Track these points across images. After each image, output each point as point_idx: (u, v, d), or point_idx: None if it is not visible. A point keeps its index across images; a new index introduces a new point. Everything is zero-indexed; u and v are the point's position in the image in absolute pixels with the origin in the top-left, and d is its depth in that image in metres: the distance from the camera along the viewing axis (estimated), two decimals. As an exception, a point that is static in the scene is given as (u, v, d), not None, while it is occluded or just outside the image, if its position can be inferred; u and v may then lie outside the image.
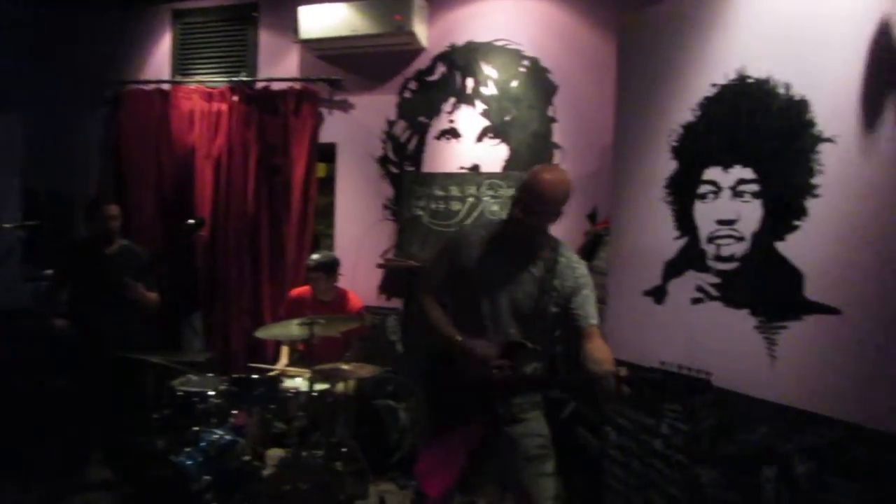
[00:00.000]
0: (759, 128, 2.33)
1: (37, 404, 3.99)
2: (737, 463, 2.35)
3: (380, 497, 3.72)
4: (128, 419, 3.74)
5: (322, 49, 4.61)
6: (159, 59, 5.13)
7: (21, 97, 4.95)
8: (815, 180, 2.13)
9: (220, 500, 3.22)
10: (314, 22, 4.37)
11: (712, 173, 2.51)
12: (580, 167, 4.16)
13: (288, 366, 4.08)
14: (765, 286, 2.29)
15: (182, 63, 5.06)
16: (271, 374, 3.80)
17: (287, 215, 4.70)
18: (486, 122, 4.39)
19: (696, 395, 1.89)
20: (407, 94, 4.58)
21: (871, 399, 1.91)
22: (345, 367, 3.59)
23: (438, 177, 4.45)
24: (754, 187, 2.34)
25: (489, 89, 4.38)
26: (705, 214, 2.54)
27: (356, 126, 4.69)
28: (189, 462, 3.17)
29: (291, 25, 4.50)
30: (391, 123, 4.61)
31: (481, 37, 4.39)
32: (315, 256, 4.10)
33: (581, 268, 2.37)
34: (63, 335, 3.70)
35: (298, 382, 3.66)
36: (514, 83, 4.32)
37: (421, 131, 4.55)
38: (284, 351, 4.21)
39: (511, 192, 4.17)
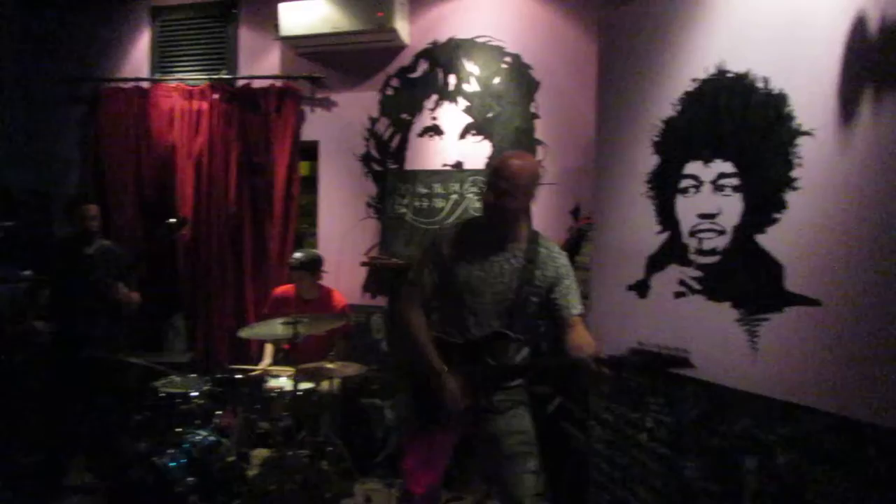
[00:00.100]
0: (739, 122, 2.35)
1: (17, 407, 3.94)
2: (720, 454, 2.37)
3: (366, 495, 3.72)
4: (109, 421, 3.71)
5: (303, 46, 4.58)
6: (138, 56, 5.07)
7: (-3, 96, 4.89)
8: (793, 173, 2.15)
9: (205, 501, 3.20)
10: (295, 19, 4.34)
11: (693, 167, 2.53)
12: (563, 163, 4.17)
13: (272, 365, 4.05)
14: (746, 279, 2.31)
15: (161, 61, 5.01)
16: (254, 373, 3.78)
17: (269, 214, 4.68)
18: (468, 119, 4.39)
19: (676, 368, 1.96)
20: (389, 92, 4.57)
21: (851, 390, 1.93)
22: (329, 365, 3.58)
23: (422, 174, 4.45)
24: (734, 181, 2.36)
25: (471, 86, 4.38)
26: (687, 208, 2.56)
27: (339, 124, 4.67)
28: (172, 464, 3.15)
29: (272, 22, 4.46)
30: (374, 121, 4.60)
31: (463, 33, 4.38)
32: (298, 255, 4.09)
33: (562, 258, 2.39)
34: (43, 337, 3.66)
35: (283, 382, 3.64)
36: (497, 80, 4.33)
37: (404, 128, 4.54)
38: (268, 350, 4.18)
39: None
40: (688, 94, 2.57)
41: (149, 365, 3.64)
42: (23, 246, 4.39)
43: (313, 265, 4.07)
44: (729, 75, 2.40)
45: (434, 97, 4.46)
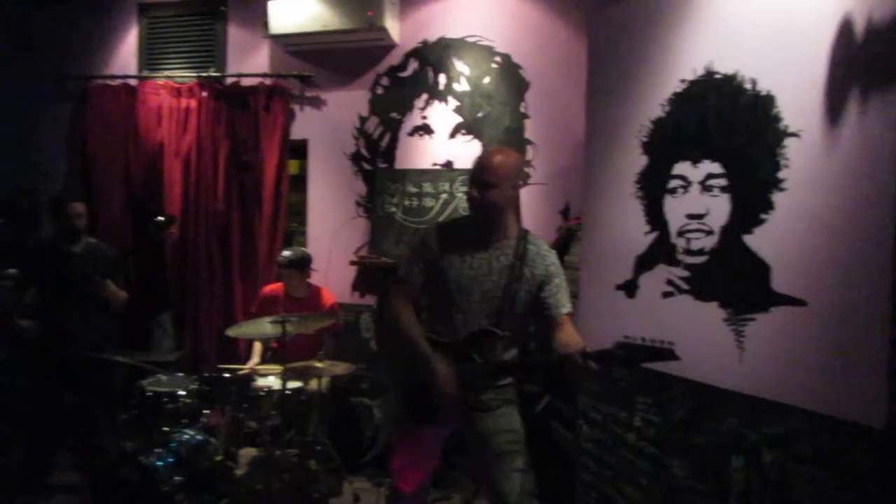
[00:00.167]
0: (727, 123, 2.36)
1: (2, 406, 3.91)
2: (706, 453, 2.39)
3: (354, 494, 3.71)
4: (96, 420, 3.68)
5: (292, 45, 4.56)
6: (126, 53, 5.03)
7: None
8: (781, 174, 2.17)
9: (192, 500, 3.19)
10: (284, 17, 4.32)
11: (682, 168, 2.54)
12: (553, 163, 4.18)
13: (260, 364, 4.04)
14: (733, 279, 2.32)
15: (149, 58, 4.98)
16: (242, 372, 3.76)
17: (258, 213, 4.66)
18: (458, 119, 4.39)
19: (662, 360, 1.97)
20: (379, 91, 4.56)
21: (836, 389, 1.95)
22: (318, 364, 3.57)
23: (411, 173, 4.44)
24: (722, 181, 2.38)
25: (462, 85, 4.38)
26: (675, 209, 2.57)
27: (328, 122, 4.66)
28: (159, 463, 3.13)
29: (261, 20, 4.44)
30: (363, 120, 4.59)
31: (453, 33, 4.39)
32: (286, 253, 4.07)
33: (551, 256, 2.40)
34: (28, 335, 3.63)
35: (271, 381, 3.63)
36: (487, 79, 4.33)
37: (393, 128, 4.54)
38: (257, 349, 4.17)
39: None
40: (676, 94, 2.58)
41: (136, 364, 3.62)
42: (8, 244, 4.35)
43: (302, 263, 4.06)
44: (717, 76, 2.41)
45: (424, 96, 4.46)
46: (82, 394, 3.66)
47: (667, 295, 2.58)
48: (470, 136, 4.37)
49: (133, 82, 4.90)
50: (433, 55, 4.43)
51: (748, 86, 2.29)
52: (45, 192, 4.89)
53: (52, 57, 5.10)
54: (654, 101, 2.66)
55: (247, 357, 4.23)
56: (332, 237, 4.62)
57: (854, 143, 1.94)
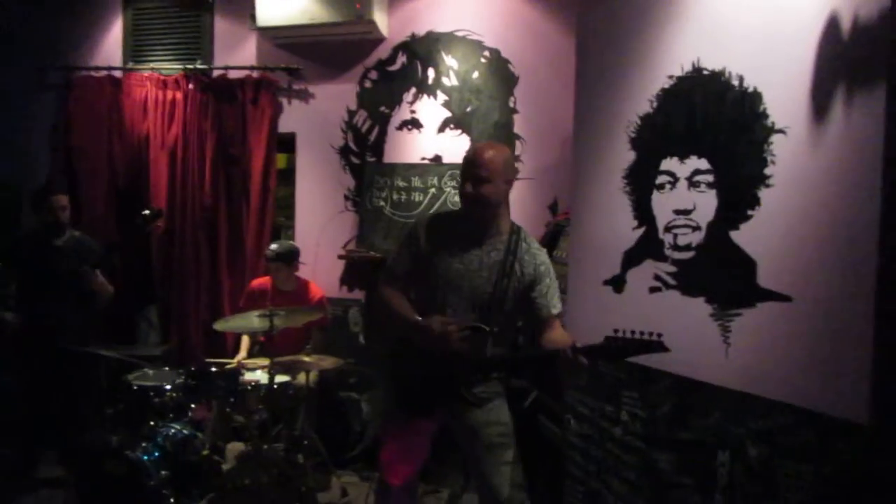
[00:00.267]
0: (714, 119, 2.37)
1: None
2: (692, 447, 2.40)
3: (342, 489, 3.71)
4: (81, 414, 3.66)
5: (280, 37, 4.53)
6: (110, 44, 4.97)
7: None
8: (767, 170, 2.17)
9: (179, 495, 3.18)
10: (272, 9, 4.29)
11: (669, 164, 2.54)
12: (541, 158, 4.19)
13: (248, 358, 4.03)
14: (719, 274, 2.33)
15: (135, 49, 4.92)
16: (229, 366, 3.75)
17: (246, 206, 4.64)
18: (447, 113, 4.38)
19: (652, 353, 1.98)
20: (367, 84, 4.54)
21: (820, 384, 1.96)
22: (306, 358, 3.56)
23: (400, 167, 4.44)
24: (709, 178, 2.39)
25: (450, 80, 4.37)
26: (663, 204, 2.57)
27: (316, 116, 4.64)
28: (145, 457, 3.12)
29: (248, 12, 4.40)
30: (352, 113, 4.57)
31: (442, 27, 4.38)
32: (273, 247, 4.06)
33: (542, 255, 2.40)
34: (12, 329, 3.59)
35: (258, 375, 3.62)
36: (476, 74, 4.33)
37: (382, 121, 4.52)
38: (244, 343, 4.15)
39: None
40: (664, 90, 2.58)
41: (122, 357, 3.60)
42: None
43: (289, 257, 4.05)
44: (705, 73, 2.42)
45: (413, 90, 4.45)
46: (67, 388, 3.63)
47: (654, 290, 2.59)
48: (459, 131, 4.37)
49: (118, 74, 4.85)
50: (422, 49, 4.42)
51: (735, 82, 2.30)
52: (28, 185, 4.84)
53: (34, 47, 5.02)
54: (641, 97, 2.67)
55: (234, 351, 4.22)
56: (320, 231, 4.61)
57: (840, 140, 1.95)
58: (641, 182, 2.67)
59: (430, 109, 4.42)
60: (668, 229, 2.54)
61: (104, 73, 4.85)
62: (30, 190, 4.47)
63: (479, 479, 2.36)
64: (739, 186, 2.26)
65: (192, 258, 4.67)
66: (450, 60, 4.37)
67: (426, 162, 4.42)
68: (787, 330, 2.08)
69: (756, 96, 2.22)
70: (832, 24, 1.98)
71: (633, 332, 2.02)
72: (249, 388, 3.50)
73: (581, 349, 2.06)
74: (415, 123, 4.46)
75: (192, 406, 3.57)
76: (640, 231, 2.67)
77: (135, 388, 3.42)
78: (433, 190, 4.35)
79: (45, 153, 5.04)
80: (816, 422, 1.96)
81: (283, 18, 4.28)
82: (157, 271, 4.73)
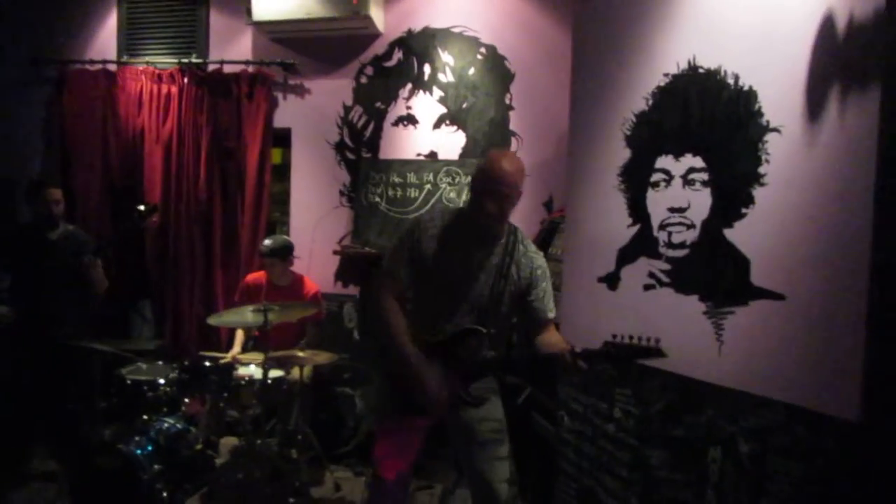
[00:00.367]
0: (709, 117, 2.38)
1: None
2: (685, 444, 2.42)
3: (336, 484, 3.72)
4: (74, 408, 3.64)
5: (276, 32, 4.52)
6: (105, 37, 4.94)
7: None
8: (762, 169, 2.19)
9: (172, 489, 3.17)
10: (268, 4, 4.27)
11: (664, 162, 2.55)
12: (537, 155, 4.19)
13: (242, 352, 4.02)
14: (713, 272, 2.35)
15: (129, 42, 4.89)
16: (223, 361, 3.74)
17: (241, 201, 4.63)
18: (443, 109, 4.38)
19: (650, 357, 1.99)
20: (363, 80, 4.54)
21: (812, 382, 1.98)
22: (300, 353, 3.56)
23: (395, 163, 4.43)
24: (704, 176, 2.40)
25: (446, 76, 4.37)
26: (657, 202, 2.58)
27: (312, 111, 4.63)
28: (138, 451, 3.11)
29: (244, 6, 4.38)
30: (347, 109, 4.57)
31: (438, 23, 4.37)
32: (267, 242, 4.05)
33: (539, 258, 2.40)
34: (5, 322, 3.58)
35: (252, 370, 3.62)
36: (472, 70, 4.33)
37: (378, 117, 4.52)
38: (238, 337, 4.15)
39: (468, 179, 4.19)
40: (660, 88, 2.59)
41: (115, 351, 3.59)
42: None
43: (283, 252, 4.04)
44: (700, 71, 2.42)
45: (408, 86, 4.45)
46: (61, 381, 3.62)
47: (648, 288, 2.60)
48: (454, 127, 4.37)
49: (112, 67, 4.82)
50: (418, 45, 4.41)
51: (731, 81, 2.31)
52: (22, 179, 4.81)
53: (28, 40, 4.99)
54: (637, 95, 2.67)
55: (228, 346, 4.21)
56: (315, 226, 4.60)
57: (834, 139, 1.96)
58: (636, 180, 2.68)
59: (426, 105, 4.41)
60: (662, 227, 2.55)
61: (99, 66, 4.83)
62: (23, 183, 4.45)
63: (473, 474, 2.36)
64: (734, 185, 2.27)
65: (186, 253, 4.66)
66: (446, 56, 4.37)
67: (422, 158, 4.41)
68: (780, 328, 2.09)
69: (751, 95, 2.23)
70: (827, 24, 1.99)
71: (630, 338, 2.02)
72: (243, 382, 3.50)
73: (580, 354, 2.06)
74: (410, 119, 4.45)
75: (186, 400, 3.56)
76: (635, 229, 2.68)
77: (128, 382, 3.41)
78: (428, 186, 4.34)
79: (39, 147, 5.02)
80: (808, 419, 1.97)
81: (279, 13, 4.27)
82: (152, 266, 4.72)
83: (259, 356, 3.59)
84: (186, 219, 4.66)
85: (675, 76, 2.53)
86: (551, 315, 2.36)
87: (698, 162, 2.42)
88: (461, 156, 4.34)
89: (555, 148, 4.11)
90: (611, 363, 2.11)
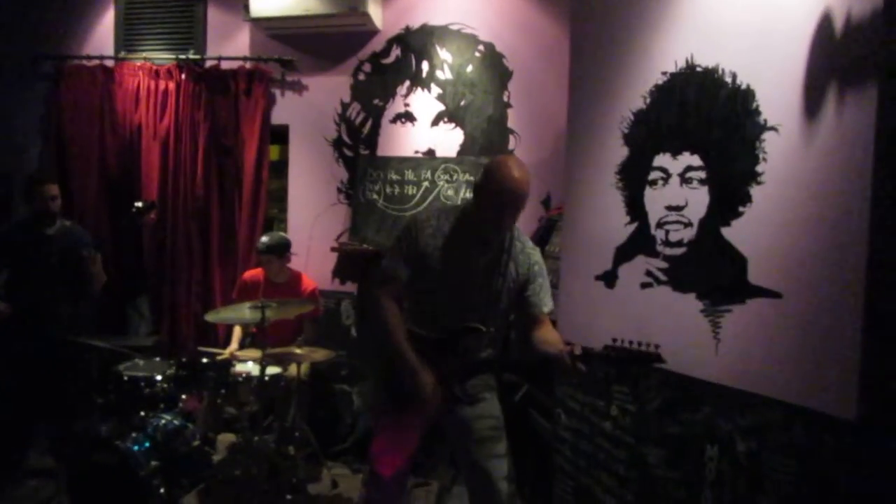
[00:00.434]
0: (707, 116, 2.38)
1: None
2: (681, 442, 2.42)
3: (333, 480, 3.72)
4: (71, 404, 3.64)
5: (273, 28, 4.51)
6: (102, 33, 4.93)
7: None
8: (759, 168, 2.19)
9: (169, 485, 3.17)
10: (265, 0, 4.26)
11: (662, 160, 2.55)
12: (535, 153, 4.19)
13: (239, 349, 4.02)
14: (711, 271, 2.35)
15: (127, 38, 4.87)
16: (221, 358, 3.74)
17: (238, 198, 4.62)
18: (441, 107, 4.38)
19: (650, 364, 1.98)
20: (361, 77, 4.53)
21: (809, 380, 1.98)
22: (297, 350, 3.56)
23: (393, 161, 4.43)
24: (701, 174, 2.40)
25: (444, 73, 4.37)
26: (655, 200, 2.58)
27: (310, 108, 4.62)
28: (135, 448, 3.11)
29: (242, 3, 4.38)
30: (345, 106, 4.56)
31: (436, 20, 4.36)
32: (264, 239, 4.05)
33: (536, 254, 2.40)
34: (2, 319, 3.57)
35: (250, 367, 3.62)
36: (470, 68, 4.32)
37: (375, 114, 4.51)
38: (236, 334, 4.15)
39: (466, 177, 4.19)
40: (657, 87, 2.59)
41: (112, 348, 3.58)
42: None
43: (280, 249, 4.03)
44: (698, 69, 2.42)
45: (406, 83, 4.44)
46: (58, 377, 3.61)
47: (645, 286, 2.60)
48: (452, 125, 4.36)
49: (110, 63, 4.81)
50: (416, 42, 4.41)
51: (728, 79, 2.30)
52: (19, 175, 4.81)
53: (25, 36, 4.98)
54: (635, 93, 2.67)
55: (226, 342, 4.21)
56: (312, 223, 4.60)
57: (832, 138, 1.96)
58: (634, 178, 2.68)
59: (424, 103, 4.41)
60: (660, 225, 2.55)
61: (96, 62, 4.82)
62: (21, 179, 4.44)
63: (471, 472, 2.36)
64: (731, 183, 2.28)
65: (183, 249, 4.66)
66: (444, 54, 4.36)
67: (419, 155, 4.41)
68: (777, 326, 2.09)
69: (749, 93, 2.23)
70: (825, 23, 1.99)
71: (630, 343, 2.01)
72: (241, 379, 3.50)
73: (580, 356, 2.06)
74: (408, 116, 4.45)
75: (183, 397, 3.56)
76: (633, 227, 2.68)
77: (125, 378, 3.41)
78: (426, 183, 4.34)
79: (36, 143, 5.00)
80: (805, 417, 1.98)
81: (276, 9, 4.26)
82: (149, 262, 4.71)
83: (256, 353, 3.59)
84: (184, 215, 4.66)
85: (672, 74, 2.53)
86: (547, 310, 2.36)
87: (696, 160, 2.42)
88: (459, 153, 4.34)
89: (553, 146, 4.11)
90: (610, 366, 2.11)
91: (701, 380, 2.34)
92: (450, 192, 4.27)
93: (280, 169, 4.82)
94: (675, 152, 2.49)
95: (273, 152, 4.80)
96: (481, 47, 4.30)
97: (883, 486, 1.82)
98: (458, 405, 2.35)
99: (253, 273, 4.19)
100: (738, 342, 2.23)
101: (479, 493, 2.33)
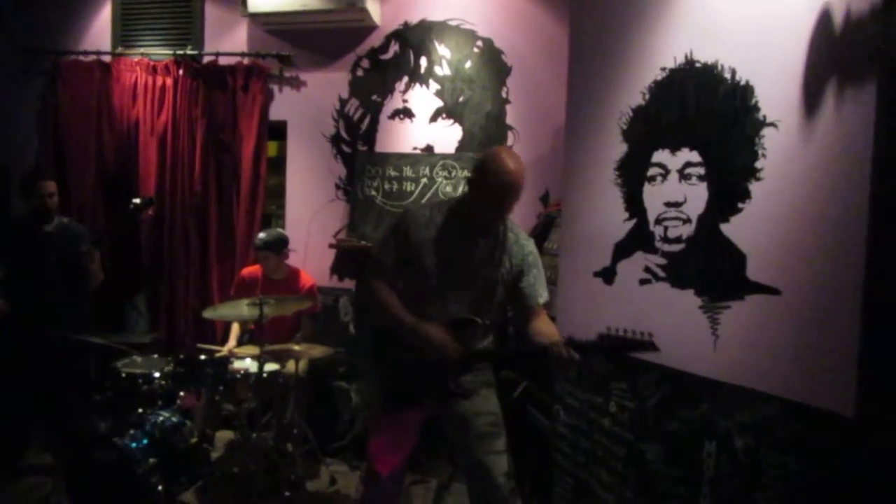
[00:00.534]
0: (706, 112, 2.37)
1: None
2: (680, 439, 2.42)
3: (331, 477, 3.72)
4: (69, 402, 3.64)
5: (271, 24, 4.49)
6: (99, 28, 4.91)
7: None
8: (758, 164, 2.18)
9: (167, 482, 3.17)
10: (263, -5, 4.25)
11: (661, 156, 2.55)
12: (533, 149, 4.18)
13: (237, 346, 4.02)
14: (709, 267, 2.35)
15: (124, 34, 4.86)
16: (219, 354, 3.74)
17: (236, 194, 4.61)
18: (439, 103, 4.37)
19: (643, 351, 2.01)
20: (359, 73, 4.52)
21: (807, 376, 1.98)
22: (296, 347, 3.56)
23: (392, 157, 4.42)
24: (700, 170, 2.39)
25: (443, 69, 4.35)
26: (654, 197, 2.58)
27: (307, 104, 4.61)
28: (133, 444, 3.11)
29: (240, -2, 4.36)
30: (343, 102, 4.55)
31: (435, 15, 4.35)
32: (261, 235, 4.04)
33: (529, 245, 2.41)
34: (0, 316, 3.56)
35: (248, 363, 3.61)
36: (468, 63, 4.31)
37: (374, 110, 4.50)
38: (234, 331, 4.14)
39: (465, 173, 4.18)
40: (656, 82, 2.58)
41: (110, 344, 3.58)
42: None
43: (277, 245, 4.03)
44: (697, 65, 2.42)
45: (405, 79, 4.43)
46: (56, 374, 3.61)
47: (644, 282, 2.60)
48: (451, 121, 4.35)
49: (107, 59, 4.80)
50: (414, 38, 4.39)
51: (727, 75, 2.30)
52: (17, 171, 4.79)
53: (22, 31, 4.95)
54: (634, 89, 2.67)
55: (224, 339, 4.20)
56: (310, 219, 4.59)
57: (830, 135, 1.96)
58: (633, 174, 2.68)
59: (423, 99, 4.40)
60: (658, 221, 2.55)
61: (93, 57, 4.80)
62: (18, 176, 4.43)
63: (470, 469, 2.36)
64: (730, 179, 2.27)
65: (181, 245, 4.65)
66: (442, 49, 4.35)
67: (418, 151, 4.40)
68: (776, 322, 2.09)
69: (748, 89, 2.23)
70: (824, 19, 1.99)
71: (625, 331, 2.03)
72: (239, 376, 3.50)
73: (573, 345, 2.07)
74: (407, 112, 4.44)
75: (181, 394, 3.56)
76: (631, 223, 2.67)
77: (123, 375, 3.41)
78: (425, 180, 4.33)
79: (33, 139, 4.98)
80: (802, 414, 1.98)
81: (274, 5, 4.24)
82: (146, 258, 4.70)
83: (255, 350, 3.59)
84: (181, 212, 4.65)
85: (671, 70, 2.52)
86: (542, 300, 2.37)
87: (695, 156, 2.42)
88: (457, 149, 4.33)
89: (551, 142, 4.11)
90: (604, 355, 2.12)
91: (699, 376, 2.34)
92: (448, 189, 4.26)
93: (278, 165, 4.81)
94: (674, 148, 2.49)
95: (271, 148, 4.79)
96: (480, 43, 4.29)
97: (880, 482, 1.82)
98: (455, 400, 2.34)
99: (251, 270, 4.19)
100: (737, 338, 2.23)
101: (479, 489, 2.33)
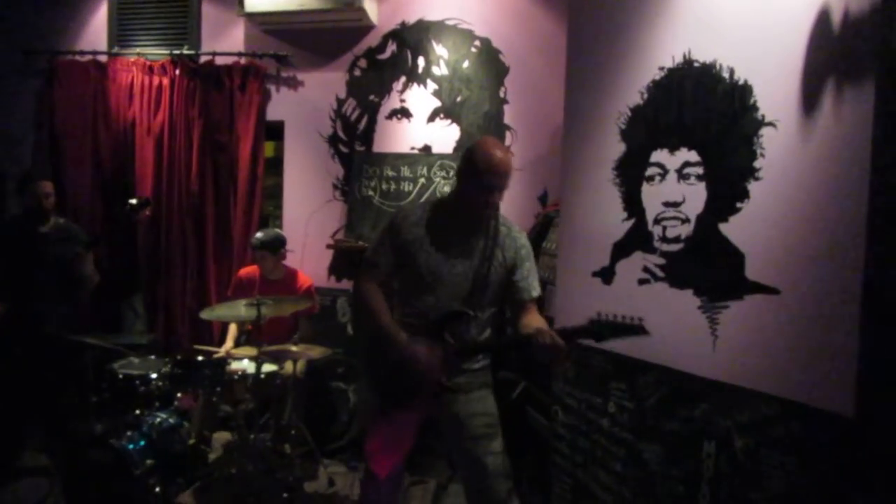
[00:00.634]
0: (704, 111, 2.37)
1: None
2: (679, 439, 2.42)
3: (329, 478, 3.71)
4: (66, 403, 3.62)
5: (268, 23, 4.48)
6: (95, 28, 4.89)
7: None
8: (757, 163, 2.18)
9: (164, 484, 3.16)
10: (260, -5, 4.24)
11: (659, 156, 2.55)
12: (531, 149, 4.18)
13: (235, 347, 4.01)
14: (708, 267, 2.34)
15: (120, 33, 4.84)
16: (216, 355, 3.73)
17: (233, 194, 4.60)
18: (437, 103, 4.36)
19: (633, 336, 2.02)
20: (357, 72, 4.51)
21: (806, 376, 1.98)
22: (293, 348, 3.55)
23: (389, 157, 4.41)
24: (699, 170, 2.39)
25: (440, 69, 4.35)
26: (652, 196, 2.58)
27: (305, 104, 4.60)
28: (130, 446, 3.10)
29: (237, -2, 4.35)
30: (341, 102, 4.54)
31: (432, 15, 4.35)
32: (258, 235, 4.03)
33: (522, 238, 2.41)
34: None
35: (245, 364, 3.60)
36: (466, 63, 4.31)
37: (371, 110, 4.50)
38: (231, 332, 4.13)
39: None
40: (655, 82, 2.58)
41: (107, 346, 3.57)
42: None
43: (274, 245, 4.01)
44: (696, 65, 2.41)
45: (402, 79, 4.43)
46: (52, 376, 3.59)
47: (643, 282, 2.60)
48: (448, 121, 4.35)
49: (103, 59, 4.78)
50: (412, 37, 4.39)
51: (726, 74, 2.30)
52: (12, 172, 4.77)
53: (17, 31, 4.94)
54: (632, 89, 2.66)
55: (221, 340, 4.19)
56: (308, 220, 4.58)
57: (829, 134, 1.95)
58: (631, 174, 2.67)
59: (420, 99, 4.39)
60: (657, 221, 2.55)
61: (89, 57, 4.78)
62: (14, 176, 4.41)
63: (466, 469, 2.36)
64: (729, 179, 2.27)
65: (178, 246, 4.64)
66: (440, 49, 4.34)
67: (415, 151, 4.40)
68: (775, 322, 2.09)
69: (746, 89, 2.22)
70: (823, 18, 1.98)
71: (615, 316, 2.03)
72: (236, 377, 3.49)
73: (559, 330, 2.07)
74: (404, 112, 4.43)
75: (178, 395, 3.55)
76: (630, 223, 2.67)
77: (120, 376, 3.40)
78: (422, 180, 4.33)
79: (29, 139, 4.96)
80: (802, 413, 1.98)
81: (271, 4, 4.23)
82: (143, 259, 4.69)
83: (252, 351, 3.58)
84: (178, 212, 4.63)
85: (670, 70, 2.52)
86: (535, 294, 2.37)
87: (693, 156, 2.42)
88: (455, 149, 4.32)
89: (549, 142, 4.10)
90: (594, 339, 2.10)
91: (698, 376, 2.34)
92: (446, 189, 4.26)
93: (275, 165, 4.80)
94: (673, 148, 2.49)
95: (268, 149, 4.78)
96: (477, 43, 4.28)
97: (880, 481, 1.81)
98: (452, 402, 2.34)
99: (248, 270, 4.18)
100: (736, 338, 2.23)
101: (476, 490, 2.33)
